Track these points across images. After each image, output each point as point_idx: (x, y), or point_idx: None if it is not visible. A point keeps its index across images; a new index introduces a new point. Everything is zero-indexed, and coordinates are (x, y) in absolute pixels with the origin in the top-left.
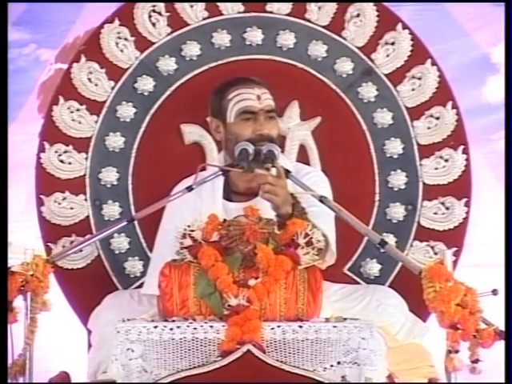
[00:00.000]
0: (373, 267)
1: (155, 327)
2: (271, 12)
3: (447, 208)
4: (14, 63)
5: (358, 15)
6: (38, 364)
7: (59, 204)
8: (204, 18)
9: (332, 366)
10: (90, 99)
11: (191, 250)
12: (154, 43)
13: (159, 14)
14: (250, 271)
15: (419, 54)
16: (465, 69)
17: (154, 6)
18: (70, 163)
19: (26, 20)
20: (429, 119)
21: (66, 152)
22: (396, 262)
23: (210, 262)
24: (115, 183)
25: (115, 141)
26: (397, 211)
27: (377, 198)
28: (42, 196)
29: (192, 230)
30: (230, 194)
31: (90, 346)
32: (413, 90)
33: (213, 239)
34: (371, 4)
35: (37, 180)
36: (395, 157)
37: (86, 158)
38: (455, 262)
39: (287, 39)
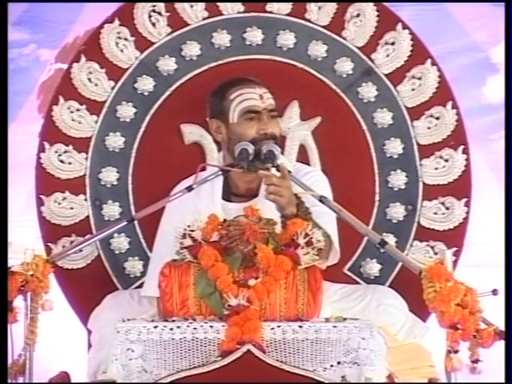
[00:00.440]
0: (373, 267)
1: (155, 327)
2: (271, 12)
3: (447, 208)
4: (14, 63)
5: (358, 15)
6: (38, 364)
7: (59, 204)
8: (204, 18)
9: (332, 365)
10: (90, 99)
11: (191, 250)
12: (154, 43)
13: (159, 14)
14: (249, 271)
15: (419, 53)
16: (465, 69)
17: (153, 5)
18: (70, 163)
19: (26, 20)
20: (429, 119)
21: (65, 152)
22: (396, 262)
23: (210, 262)
24: (115, 183)
25: (115, 141)
26: (397, 211)
27: (377, 197)
28: (41, 196)
29: (192, 230)
30: (229, 194)
31: (90, 346)
32: (413, 90)
33: (213, 239)
34: (371, 4)
35: (37, 180)
36: (395, 157)
37: (86, 158)
38: (455, 262)
39: (287, 39)
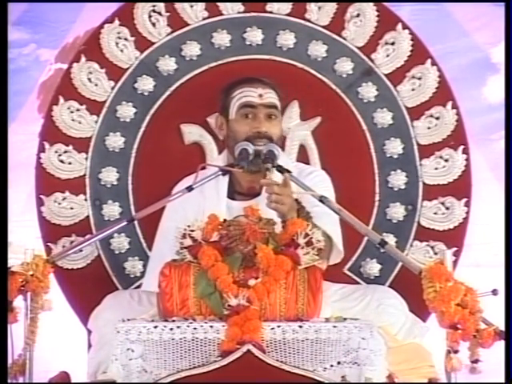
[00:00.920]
0: (373, 267)
1: (155, 327)
2: (271, 12)
3: (447, 208)
4: (14, 63)
5: (358, 15)
6: (37, 364)
7: (59, 204)
8: (204, 18)
9: (332, 365)
10: (90, 99)
11: (191, 250)
12: (154, 43)
13: (159, 14)
14: (250, 271)
15: (419, 53)
16: (465, 69)
17: (153, 6)
18: (70, 163)
19: (26, 20)
20: (429, 119)
21: (66, 152)
22: (396, 262)
23: (210, 262)
24: (115, 183)
25: (115, 141)
26: (397, 211)
27: (377, 197)
28: (41, 196)
29: (192, 230)
30: (233, 193)
31: (90, 346)
32: (413, 90)
33: (213, 239)
34: (371, 4)
35: (37, 180)
36: (395, 157)
37: (86, 158)
38: (455, 262)
39: (287, 39)
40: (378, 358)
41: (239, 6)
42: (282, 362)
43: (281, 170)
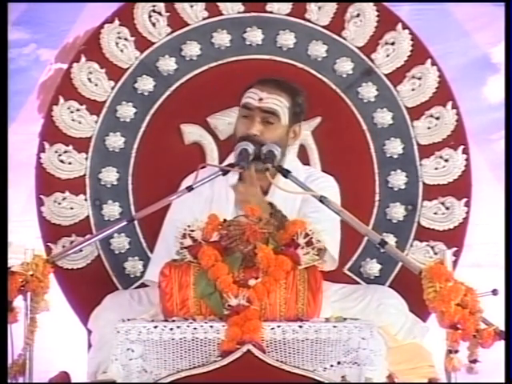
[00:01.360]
0: (373, 267)
1: (155, 327)
2: (271, 12)
3: (447, 208)
4: (14, 63)
5: (358, 15)
6: (38, 364)
7: (59, 204)
8: (204, 18)
9: (332, 365)
10: (90, 99)
11: (191, 250)
12: (154, 43)
13: (159, 14)
14: (250, 271)
15: (419, 54)
16: (465, 69)
17: (153, 6)
18: (70, 163)
19: (26, 20)
20: (429, 119)
21: (66, 152)
22: (396, 262)
23: (210, 262)
24: (115, 183)
25: (115, 141)
26: (397, 211)
27: (377, 197)
28: (41, 196)
29: (192, 230)
30: None
31: (90, 346)
32: (413, 90)
33: (213, 239)
34: (371, 4)
35: (37, 180)
36: (395, 157)
37: (86, 158)
38: (455, 262)
39: (287, 39)
40: (378, 357)
41: (239, 6)
42: (281, 361)
43: (280, 169)
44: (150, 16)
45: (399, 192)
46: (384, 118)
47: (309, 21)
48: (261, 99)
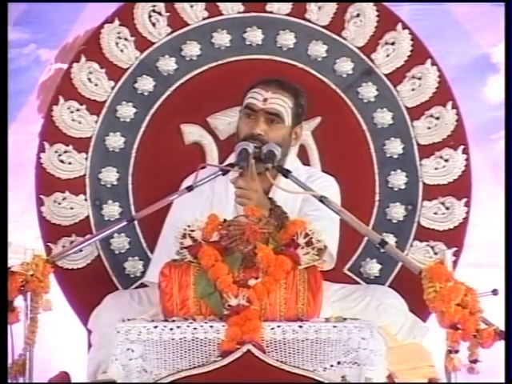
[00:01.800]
0: (373, 267)
1: (155, 327)
2: (271, 12)
3: (447, 208)
4: (14, 63)
5: (358, 15)
6: (38, 364)
7: (59, 204)
8: (204, 18)
9: (332, 365)
10: (90, 99)
11: (191, 250)
12: (154, 43)
13: (159, 14)
14: (250, 271)
15: (419, 54)
16: (465, 69)
17: (153, 5)
18: (70, 163)
19: (26, 20)
20: (429, 119)
21: (66, 152)
22: (396, 261)
23: (210, 262)
24: (115, 183)
25: (115, 141)
26: (397, 211)
27: (377, 197)
28: (41, 196)
29: (192, 230)
30: None
31: (90, 345)
32: (413, 90)
33: (213, 239)
34: (371, 4)
35: (37, 180)
36: (395, 157)
37: (86, 158)
38: (455, 262)
39: (287, 39)
40: (378, 357)
41: (239, 6)
42: (282, 362)
43: (280, 169)
44: (150, 16)
45: (399, 192)
46: (384, 118)
47: (309, 21)
48: (265, 100)
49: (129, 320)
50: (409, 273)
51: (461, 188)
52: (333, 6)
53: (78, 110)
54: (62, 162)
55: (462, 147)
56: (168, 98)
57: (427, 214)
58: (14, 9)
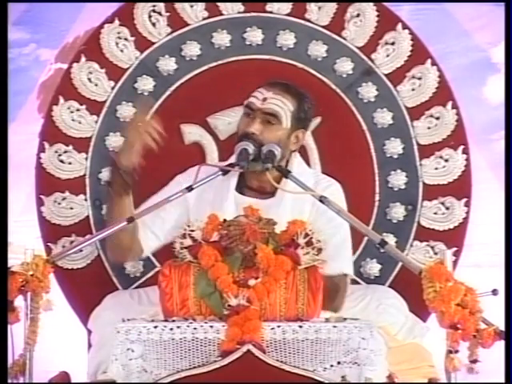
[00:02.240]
0: (373, 267)
1: (155, 327)
2: (271, 12)
3: (447, 208)
4: (14, 63)
5: (358, 15)
6: (38, 364)
7: (59, 204)
8: (204, 18)
9: (332, 365)
10: (90, 99)
11: (191, 250)
12: (154, 43)
13: (159, 14)
14: (249, 271)
15: (419, 54)
16: (465, 69)
17: (154, 5)
18: (70, 163)
19: (26, 20)
20: (429, 119)
21: (66, 152)
22: (396, 262)
23: (210, 262)
24: None
25: (115, 141)
26: (397, 211)
27: (377, 197)
28: (41, 196)
29: (192, 230)
30: (242, 188)
31: (90, 346)
32: (413, 90)
33: (213, 239)
34: (371, 4)
35: (37, 180)
36: (395, 157)
37: (86, 158)
38: (455, 262)
39: (287, 39)
40: (378, 357)
41: (239, 6)
42: (282, 361)
43: (281, 169)
44: (149, 16)
45: (399, 192)
46: (384, 117)
47: (309, 21)
48: (264, 99)
49: (129, 320)
50: (409, 273)
51: (461, 188)
52: (333, 6)
53: (78, 109)
54: (61, 162)
55: (461, 147)
56: (168, 98)
57: (427, 214)
58: (14, 9)
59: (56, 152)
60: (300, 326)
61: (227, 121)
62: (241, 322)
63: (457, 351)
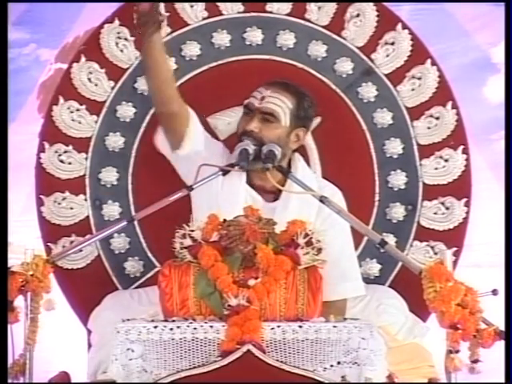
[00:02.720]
0: (373, 267)
1: (155, 327)
2: (271, 12)
3: (447, 208)
4: (14, 63)
5: (357, 15)
6: (38, 364)
7: (59, 204)
8: (204, 18)
9: (332, 365)
10: (90, 99)
11: (191, 250)
12: None
13: None
14: (249, 271)
15: (419, 53)
16: (465, 69)
17: None
18: (70, 163)
19: (26, 20)
20: (429, 119)
21: (66, 152)
22: (396, 261)
23: (209, 262)
24: (115, 183)
25: (115, 141)
26: (397, 211)
27: (377, 198)
28: (41, 196)
29: (192, 230)
30: (249, 185)
31: (89, 346)
32: (413, 90)
33: (213, 239)
34: (371, 4)
35: (37, 180)
36: (395, 157)
37: (86, 158)
38: (455, 262)
39: (287, 39)
40: (378, 357)
41: (239, 6)
42: (282, 362)
43: (281, 169)
44: None
45: (399, 192)
46: (384, 118)
47: (309, 21)
48: (263, 98)
49: (129, 320)
50: (409, 273)
51: (461, 188)
52: (333, 6)
53: (77, 109)
54: (61, 162)
55: (461, 147)
56: None
57: (427, 214)
58: (14, 9)
59: (56, 152)
60: (300, 326)
61: (227, 121)
62: (241, 322)
63: (457, 351)
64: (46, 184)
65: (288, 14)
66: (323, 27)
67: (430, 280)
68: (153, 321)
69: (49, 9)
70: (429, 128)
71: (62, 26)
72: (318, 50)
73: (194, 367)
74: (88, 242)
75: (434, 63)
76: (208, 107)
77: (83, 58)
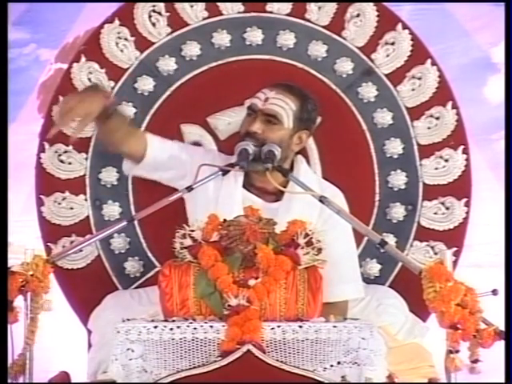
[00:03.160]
0: (373, 267)
1: (155, 327)
2: (271, 12)
3: (447, 208)
4: (14, 63)
5: (358, 15)
6: (38, 364)
7: (59, 204)
8: (204, 18)
9: (332, 365)
10: None
11: (191, 250)
12: (153, 43)
13: (159, 14)
14: (250, 271)
15: (419, 53)
16: (465, 69)
17: (153, 5)
18: (70, 163)
19: (26, 20)
20: (429, 119)
21: (65, 152)
22: (396, 261)
23: (209, 262)
24: (115, 183)
25: None
26: (397, 211)
27: (377, 198)
28: (41, 196)
29: (192, 230)
30: (247, 186)
31: (90, 346)
32: (413, 90)
33: (213, 239)
34: (371, 4)
35: (37, 180)
36: (395, 157)
37: (86, 158)
38: (455, 262)
39: (287, 39)
40: (378, 357)
41: (239, 6)
42: (282, 362)
43: (281, 170)
44: (150, 16)
45: (399, 192)
46: (384, 118)
47: (309, 21)
48: (266, 100)
49: (129, 320)
50: (409, 273)
51: (461, 188)
52: (333, 6)
53: None
54: (61, 162)
55: (461, 147)
56: (168, 98)
57: (427, 214)
58: (14, 9)
59: (56, 152)
60: (300, 326)
61: (227, 121)
62: (241, 322)
63: (457, 351)
64: (46, 184)
65: (288, 14)
66: (323, 27)
67: (429, 280)
68: (153, 321)
69: (49, 9)
70: (429, 128)
71: (61, 26)
72: (318, 50)
73: (194, 367)
74: (88, 242)
75: (434, 63)
76: (208, 107)
77: (83, 58)
